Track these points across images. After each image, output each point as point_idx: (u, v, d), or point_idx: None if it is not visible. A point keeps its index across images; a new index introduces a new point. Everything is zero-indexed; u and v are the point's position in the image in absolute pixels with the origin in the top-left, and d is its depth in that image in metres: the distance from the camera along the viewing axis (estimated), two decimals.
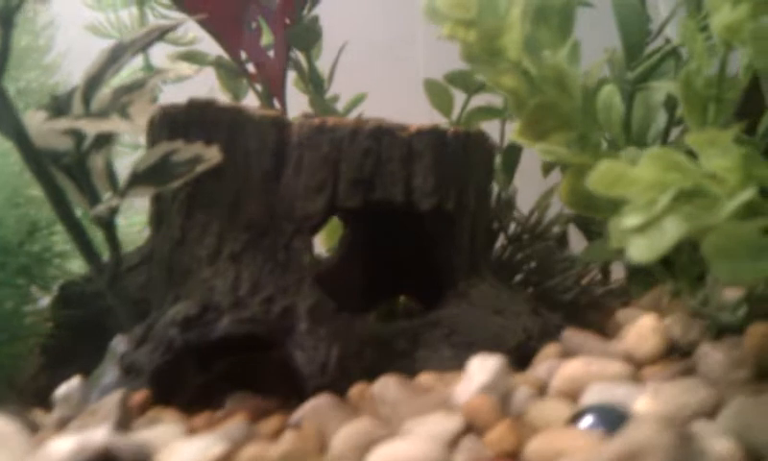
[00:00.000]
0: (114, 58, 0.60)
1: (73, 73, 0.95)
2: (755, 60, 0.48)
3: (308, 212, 0.62)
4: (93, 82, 0.59)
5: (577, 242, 0.85)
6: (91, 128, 0.54)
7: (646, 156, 0.45)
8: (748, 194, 0.44)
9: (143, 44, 0.62)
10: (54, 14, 0.98)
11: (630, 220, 0.44)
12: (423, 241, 0.70)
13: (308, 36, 0.95)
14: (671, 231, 0.44)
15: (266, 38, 0.96)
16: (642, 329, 0.55)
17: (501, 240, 0.81)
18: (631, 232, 0.45)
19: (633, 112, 0.72)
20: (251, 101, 0.95)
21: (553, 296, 0.74)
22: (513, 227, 0.80)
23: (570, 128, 0.58)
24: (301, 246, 0.62)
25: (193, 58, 0.95)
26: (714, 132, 0.49)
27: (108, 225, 0.61)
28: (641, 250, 0.45)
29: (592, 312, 0.72)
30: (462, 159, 0.66)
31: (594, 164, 0.50)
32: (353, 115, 0.96)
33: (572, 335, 0.58)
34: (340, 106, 0.98)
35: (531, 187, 0.89)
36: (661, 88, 0.69)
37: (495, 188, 0.81)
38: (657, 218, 0.44)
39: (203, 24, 0.90)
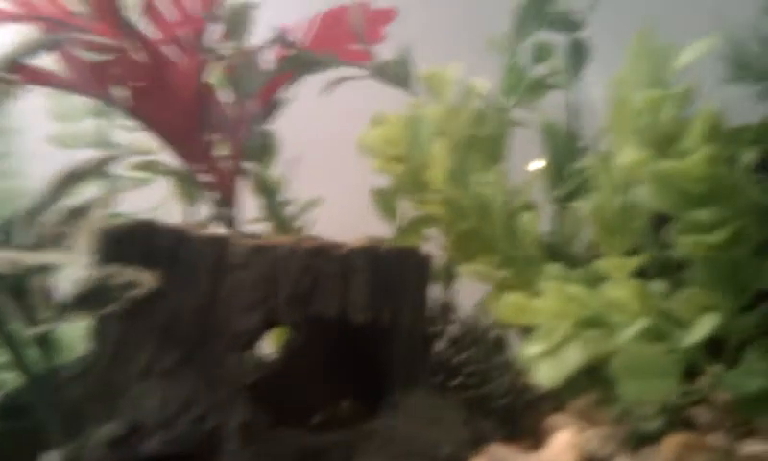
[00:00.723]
0: (63, 186, 0.63)
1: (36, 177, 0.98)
2: (652, 200, 0.53)
3: (245, 328, 0.65)
4: (39, 208, 0.62)
5: (517, 344, 0.88)
6: (30, 261, 0.57)
7: (546, 287, 0.48)
8: (642, 323, 0.48)
9: (94, 172, 0.65)
10: (18, 121, 1.02)
11: (533, 348, 0.47)
12: (363, 349, 0.73)
13: (263, 149, 0.99)
14: (572, 358, 0.48)
15: (221, 148, 1.00)
16: (561, 444, 0.57)
17: (443, 342, 0.83)
18: (535, 359, 0.48)
19: (562, 228, 0.76)
20: (205, 206, 0.98)
21: (489, 400, 0.77)
22: (452, 329, 0.83)
23: (493, 250, 0.62)
24: (237, 361, 0.64)
25: (150, 167, 0.99)
26: (619, 261, 0.53)
27: (43, 342, 0.63)
28: (546, 375, 0.48)
29: (527, 417, 0.74)
30: (396, 274, 0.70)
31: (517, 280, 0.53)
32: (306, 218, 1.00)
33: (497, 449, 0.61)
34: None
35: (475, 285, 0.92)
36: (584, 207, 0.74)
37: (437, 290, 0.84)
38: (558, 346, 0.48)
39: (159, 133, 0.93)
